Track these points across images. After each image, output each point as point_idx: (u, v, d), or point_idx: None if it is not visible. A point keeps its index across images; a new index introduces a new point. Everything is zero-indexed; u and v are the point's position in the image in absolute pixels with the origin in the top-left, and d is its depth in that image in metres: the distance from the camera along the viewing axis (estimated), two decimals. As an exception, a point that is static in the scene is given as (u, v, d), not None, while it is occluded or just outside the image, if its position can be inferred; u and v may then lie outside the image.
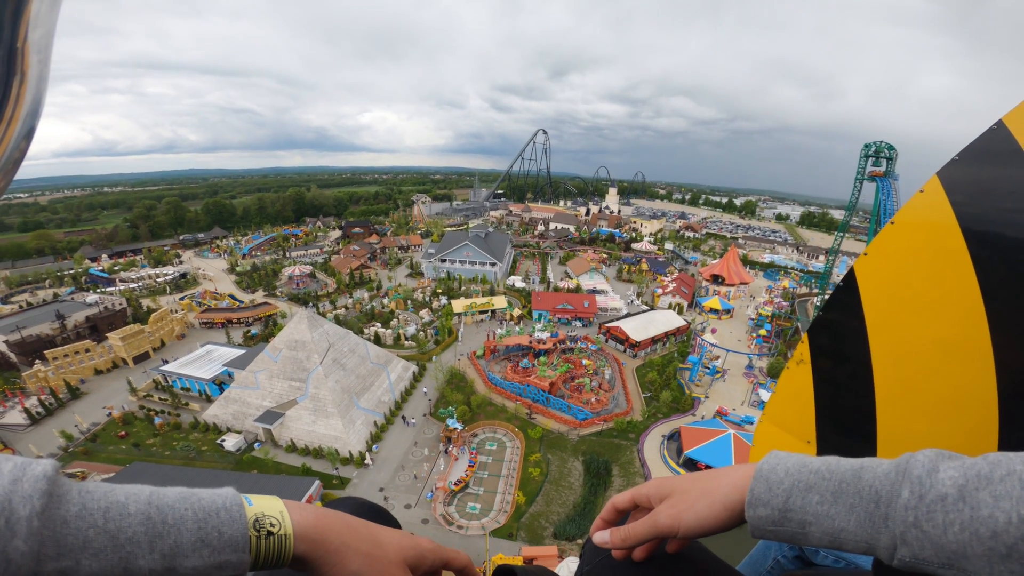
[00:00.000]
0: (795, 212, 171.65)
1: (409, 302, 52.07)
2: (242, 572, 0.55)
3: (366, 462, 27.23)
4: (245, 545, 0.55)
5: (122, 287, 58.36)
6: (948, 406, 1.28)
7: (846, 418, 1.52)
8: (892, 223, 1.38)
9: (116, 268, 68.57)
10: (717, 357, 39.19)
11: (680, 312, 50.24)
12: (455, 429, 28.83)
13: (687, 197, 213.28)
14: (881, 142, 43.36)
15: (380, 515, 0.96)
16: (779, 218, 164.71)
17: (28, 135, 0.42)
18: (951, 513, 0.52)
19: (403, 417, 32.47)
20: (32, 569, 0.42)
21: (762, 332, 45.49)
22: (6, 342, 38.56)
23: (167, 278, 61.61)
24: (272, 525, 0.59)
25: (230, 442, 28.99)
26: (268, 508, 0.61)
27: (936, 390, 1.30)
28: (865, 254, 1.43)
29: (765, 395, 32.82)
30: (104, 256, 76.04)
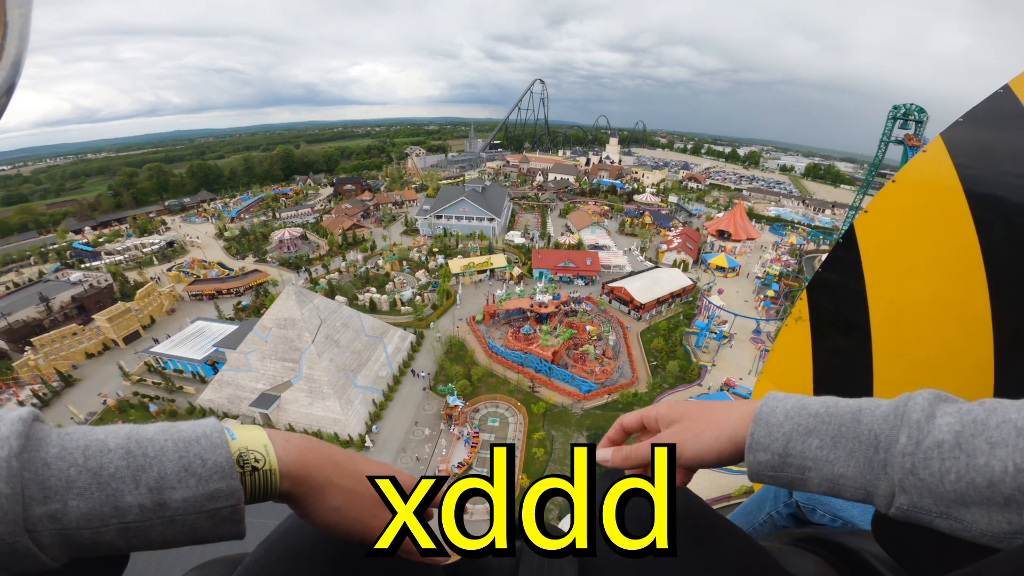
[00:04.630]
0: (800, 163, 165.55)
1: (405, 263, 50.33)
2: (237, 503, 0.53)
3: (367, 444, 26.51)
4: (232, 471, 0.53)
5: (108, 260, 56.01)
6: (944, 363, 1.26)
7: (843, 376, 1.50)
8: (893, 181, 1.35)
9: (101, 240, 66.06)
10: (724, 322, 37.91)
11: (685, 270, 48.55)
12: (456, 407, 27.98)
13: (689, 147, 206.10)
14: (911, 104, 42.00)
15: None
16: (783, 169, 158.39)
17: (8, 91, 0.41)
18: (947, 460, 0.50)
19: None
20: (20, 514, 0.42)
21: (770, 293, 43.99)
22: (-4, 331, 36.69)
23: (153, 248, 59.45)
24: (256, 460, 0.57)
25: (227, 427, 28.23)
26: (251, 441, 0.58)
27: (933, 348, 1.29)
28: (865, 211, 1.41)
29: (774, 361, 31.79)
30: (88, 228, 72.92)
